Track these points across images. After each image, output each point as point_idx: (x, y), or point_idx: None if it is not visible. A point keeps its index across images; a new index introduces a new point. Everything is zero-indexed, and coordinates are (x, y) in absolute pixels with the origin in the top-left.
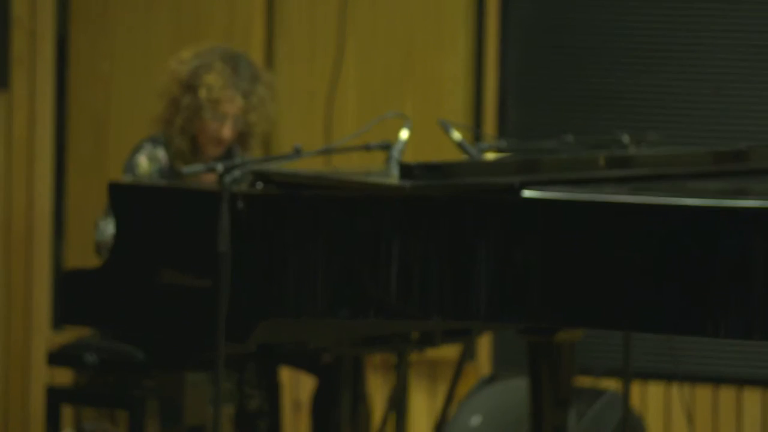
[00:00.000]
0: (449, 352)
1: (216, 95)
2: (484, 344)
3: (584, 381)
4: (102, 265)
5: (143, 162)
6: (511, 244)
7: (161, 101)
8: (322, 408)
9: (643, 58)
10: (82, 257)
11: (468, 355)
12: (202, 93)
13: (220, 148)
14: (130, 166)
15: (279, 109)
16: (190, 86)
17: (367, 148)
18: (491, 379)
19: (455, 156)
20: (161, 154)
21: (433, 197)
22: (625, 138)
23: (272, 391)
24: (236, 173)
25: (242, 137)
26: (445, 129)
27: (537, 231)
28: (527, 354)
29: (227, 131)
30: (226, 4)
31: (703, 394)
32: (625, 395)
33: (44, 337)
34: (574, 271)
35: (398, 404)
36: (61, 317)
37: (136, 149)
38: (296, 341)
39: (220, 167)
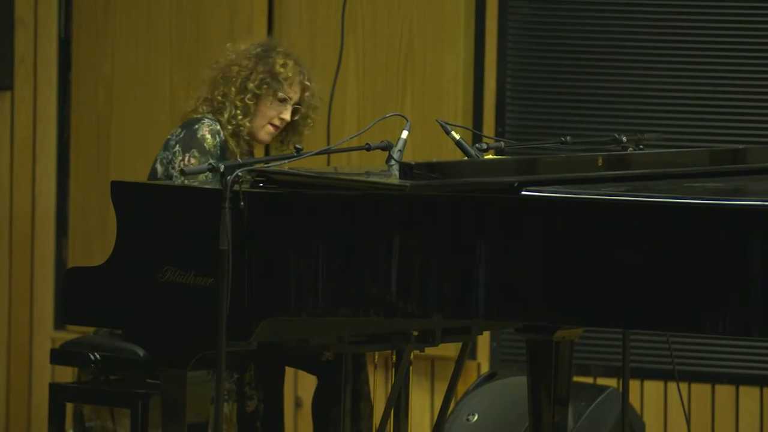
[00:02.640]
0: (449, 350)
1: (290, 74)
2: (484, 342)
3: (583, 379)
4: (104, 263)
5: (209, 137)
6: (510, 243)
7: (208, 87)
8: (324, 407)
9: (641, 58)
10: (85, 256)
11: (467, 353)
12: (280, 69)
13: (273, 133)
14: (194, 143)
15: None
16: (259, 67)
17: (367, 148)
18: (491, 377)
19: (455, 156)
20: (219, 128)
21: (433, 197)
22: (623, 138)
23: (274, 391)
24: (238, 172)
25: (295, 126)
26: (445, 129)
27: (536, 230)
28: (526, 352)
29: (288, 114)
30: (227, 4)
31: (700, 392)
32: (624, 393)
33: (47, 335)
34: (573, 270)
35: (398, 402)
36: (64, 315)
37: (193, 124)
38: (297, 339)
39: (221, 166)
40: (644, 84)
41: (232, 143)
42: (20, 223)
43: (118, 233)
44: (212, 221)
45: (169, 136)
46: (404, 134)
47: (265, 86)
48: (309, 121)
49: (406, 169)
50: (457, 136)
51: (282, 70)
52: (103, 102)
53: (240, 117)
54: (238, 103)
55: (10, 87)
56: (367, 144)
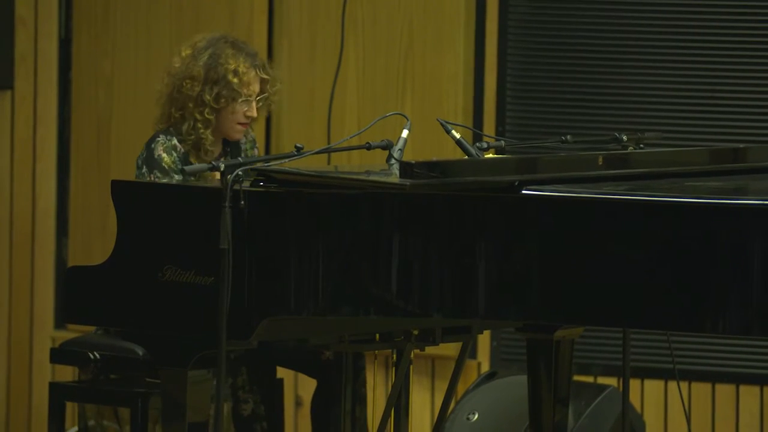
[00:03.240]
0: (449, 349)
1: (245, 78)
2: (484, 341)
3: (583, 378)
4: (104, 262)
5: (164, 156)
6: (510, 242)
7: (164, 102)
8: (323, 409)
9: (641, 58)
10: (85, 255)
11: (468, 352)
12: (233, 79)
13: (243, 130)
14: (153, 164)
15: (279, 107)
16: (211, 79)
17: (367, 147)
18: (491, 376)
19: (455, 155)
20: (176, 143)
21: (433, 196)
22: (624, 137)
23: (270, 391)
24: (238, 171)
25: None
26: (445, 128)
27: (536, 229)
28: (527, 351)
29: (254, 111)
30: (227, 4)
31: (701, 391)
32: (624, 392)
33: (47, 334)
34: (573, 269)
35: (399, 401)
36: (64, 315)
37: (150, 144)
38: (297, 338)
39: (222, 166)
40: (644, 84)
41: (192, 156)
42: (21, 222)
43: (118, 232)
44: (212, 220)
45: (138, 156)
46: (404, 133)
47: (222, 99)
48: (270, 105)
49: (406, 168)
50: (458, 135)
51: (235, 79)
52: (103, 102)
53: (201, 130)
54: (198, 116)
55: (10, 87)
56: (368, 143)
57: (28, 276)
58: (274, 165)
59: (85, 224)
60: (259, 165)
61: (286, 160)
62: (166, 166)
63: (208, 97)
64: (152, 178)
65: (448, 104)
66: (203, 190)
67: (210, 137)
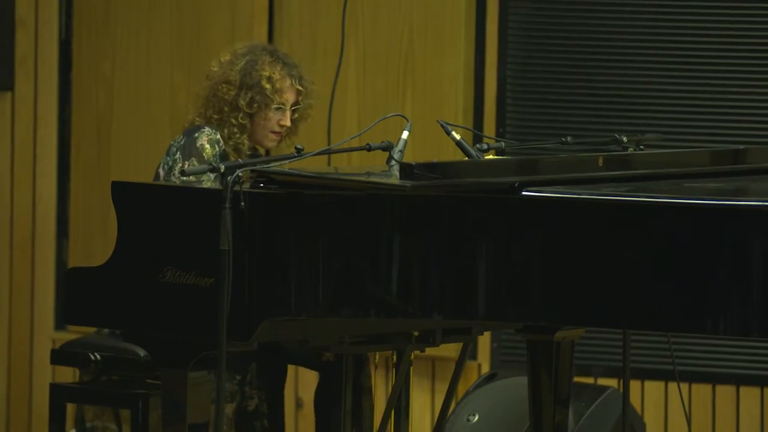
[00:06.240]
0: (449, 350)
1: (279, 85)
2: (485, 342)
3: (584, 379)
4: (105, 263)
5: (207, 147)
6: (510, 243)
7: (201, 105)
8: (325, 403)
9: (642, 59)
10: (86, 256)
11: (468, 353)
12: (266, 85)
13: (276, 139)
14: (193, 151)
15: None
16: (246, 84)
17: (368, 148)
18: (491, 378)
19: (455, 156)
20: (219, 138)
21: (434, 197)
22: (624, 138)
23: (275, 391)
24: (238, 173)
25: (294, 124)
26: (445, 129)
27: (536, 231)
28: (527, 352)
29: (287, 120)
30: (227, 5)
31: (701, 392)
32: (625, 393)
33: (48, 336)
34: (574, 270)
35: (399, 402)
36: (64, 316)
37: (193, 132)
38: (298, 340)
39: (222, 167)
40: (644, 84)
41: (232, 157)
42: (21, 223)
43: (118, 234)
44: (213, 221)
45: (171, 142)
46: (405, 134)
47: (255, 104)
48: (311, 110)
49: (406, 169)
50: (458, 137)
51: (268, 85)
52: (104, 103)
53: (237, 135)
54: (234, 121)
55: (10, 88)
56: (368, 144)
57: (28, 277)
58: (275, 166)
59: (86, 225)
60: (259, 166)
61: (287, 161)
62: (206, 156)
63: (242, 102)
64: (184, 166)
65: (448, 105)
66: (203, 191)
67: (246, 142)
